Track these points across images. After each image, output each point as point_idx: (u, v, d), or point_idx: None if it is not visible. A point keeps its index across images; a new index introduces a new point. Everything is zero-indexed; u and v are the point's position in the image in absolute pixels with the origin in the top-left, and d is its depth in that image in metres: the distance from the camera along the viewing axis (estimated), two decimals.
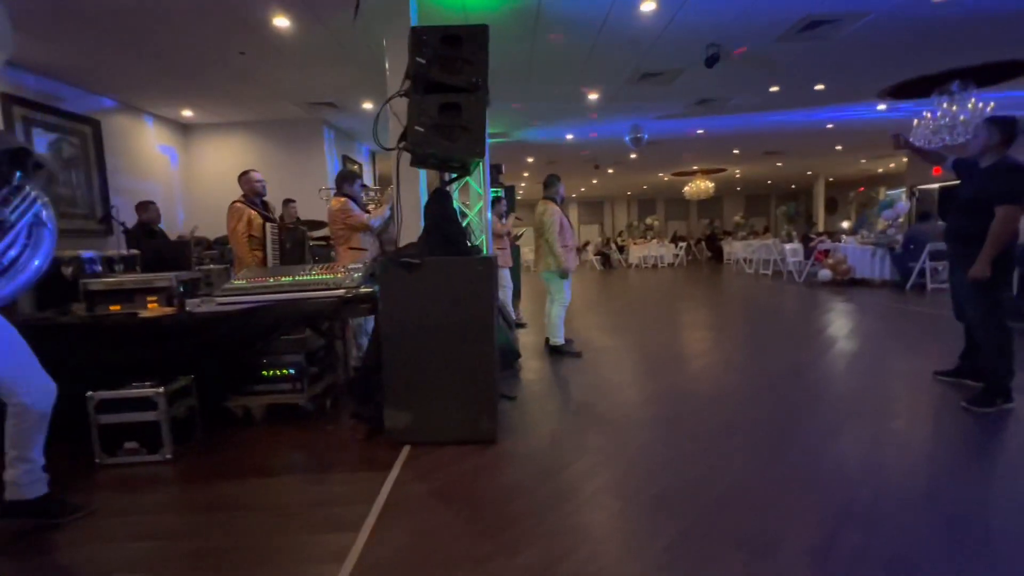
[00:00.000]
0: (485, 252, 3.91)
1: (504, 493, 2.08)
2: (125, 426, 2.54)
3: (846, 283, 8.94)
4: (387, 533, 1.82)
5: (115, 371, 2.70)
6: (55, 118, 5.45)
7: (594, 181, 17.11)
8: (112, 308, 3.00)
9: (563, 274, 4.33)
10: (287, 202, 6.22)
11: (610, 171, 14.78)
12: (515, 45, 5.13)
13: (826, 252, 10.04)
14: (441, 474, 2.26)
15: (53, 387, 1.93)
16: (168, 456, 2.54)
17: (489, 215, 3.95)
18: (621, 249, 18.00)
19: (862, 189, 18.72)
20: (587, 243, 5.32)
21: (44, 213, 1.82)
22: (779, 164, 15.03)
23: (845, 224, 15.60)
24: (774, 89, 7.23)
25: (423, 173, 3.63)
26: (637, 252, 16.40)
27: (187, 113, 7.06)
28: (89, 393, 2.53)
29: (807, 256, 10.49)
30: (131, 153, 6.58)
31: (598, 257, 17.26)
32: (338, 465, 2.45)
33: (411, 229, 3.29)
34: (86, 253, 3.77)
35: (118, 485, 2.34)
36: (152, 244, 4.03)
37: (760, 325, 5.92)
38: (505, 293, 5.62)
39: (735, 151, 12.57)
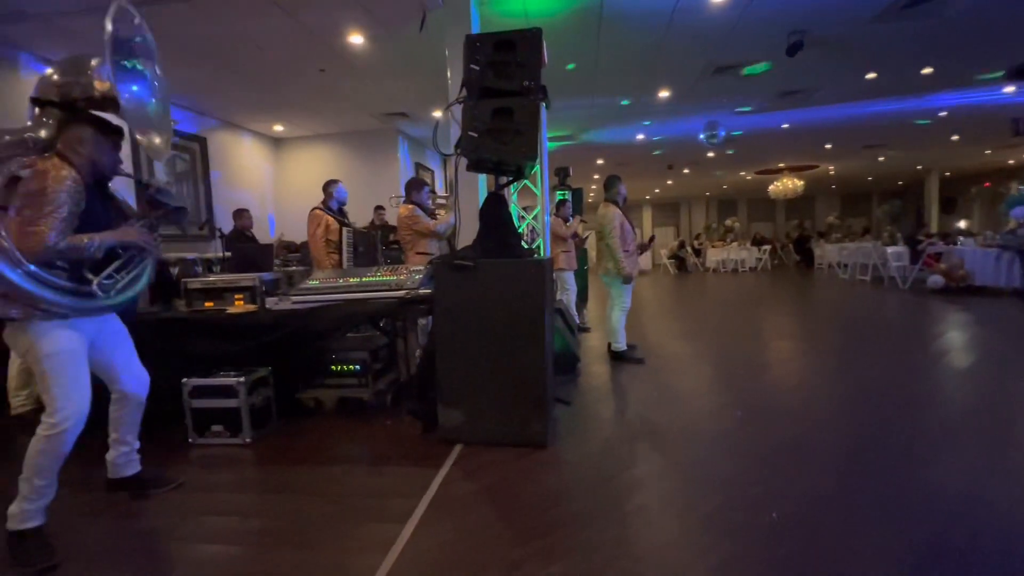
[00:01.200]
0: (542, 255, 3.90)
1: (547, 499, 2.06)
2: (213, 411, 2.83)
3: (962, 291, 7.87)
4: (431, 528, 1.87)
5: (206, 361, 3.02)
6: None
7: (669, 182, 16.50)
8: (207, 304, 3.35)
9: (626, 279, 4.21)
10: (377, 208, 6.64)
11: (685, 171, 14.17)
12: (578, 46, 5.08)
13: (937, 256, 8.91)
14: (488, 474, 2.29)
15: (147, 378, 2.18)
16: (247, 440, 2.79)
17: (547, 218, 3.93)
18: (698, 252, 17.17)
19: (988, 184, 16.38)
20: (652, 238, 5.04)
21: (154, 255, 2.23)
22: (881, 159, 13.60)
23: (962, 224, 13.74)
24: (871, 76, 6.56)
25: (482, 177, 3.70)
26: (715, 255, 15.56)
27: (278, 128, 7.74)
28: (184, 380, 2.85)
29: (914, 260, 9.37)
30: (231, 166, 7.32)
31: (672, 260, 16.59)
32: (393, 459, 2.55)
33: (469, 232, 3.36)
34: (190, 256, 4.25)
35: (204, 463, 2.61)
36: (242, 248, 4.46)
37: (851, 335, 5.35)
38: (568, 296, 5.57)
39: (827, 146, 11.55)
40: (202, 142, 6.71)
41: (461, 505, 2.03)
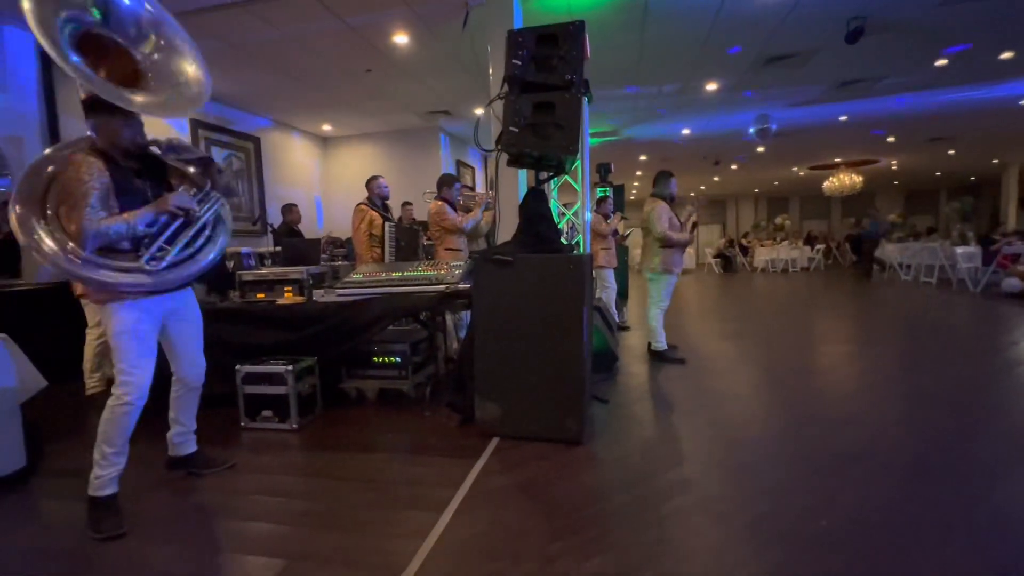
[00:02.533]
0: (582, 251, 3.86)
1: (584, 496, 2.04)
2: (263, 397, 2.97)
3: None
4: (467, 518, 1.89)
5: (258, 349, 3.17)
6: (227, 137, 6.55)
7: (715, 179, 15.95)
8: (258, 296, 3.52)
9: (665, 269, 4.10)
10: (405, 204, 6.76)
11: (733, 167, 13.67)
12: (623, 38, 4.99)
13: (1015, 257, 8.22)
14: (525, 469, 2.29)
15: (203, 367, 2.30)
16: (294, 426, 2.91)
17: (588, 215, 3.89)
18: (745, 251, 16.55)
19: None
20: (695, 223, 4.64)
21: (224, 214, 2.24)
22: (950, 152, 12.64)
23: None
24: (940, 63, 6.11)
25: (523, 173, 3.70)
26: (763, 255, 14.94)
27: (326, 127, 8.01)
28: (238, 367, 3.01)
29: (987, 261, 8.67)
30: (282, 164, 7.64)
31: (717, 259, 16.06)
32: (431, 449, 2.60)
33: (509, 228, 3.37)
34: (244, 249, 4.46)
35: (254, 446, 2.74)
36: (291, 242, 4.64)
37: (914, 341, 5.02)
38: (608, 294, 5.50)
39: (890, 139, 10.85)
40: (256, 142, 7.04)
41: (497, 497, 2.04)
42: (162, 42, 2.03)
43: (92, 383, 3.60)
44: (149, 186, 2.05)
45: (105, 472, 1.94)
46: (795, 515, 1.83)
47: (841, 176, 13.56)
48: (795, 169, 14.67)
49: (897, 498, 1.94)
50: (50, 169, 1.98)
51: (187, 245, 2.06)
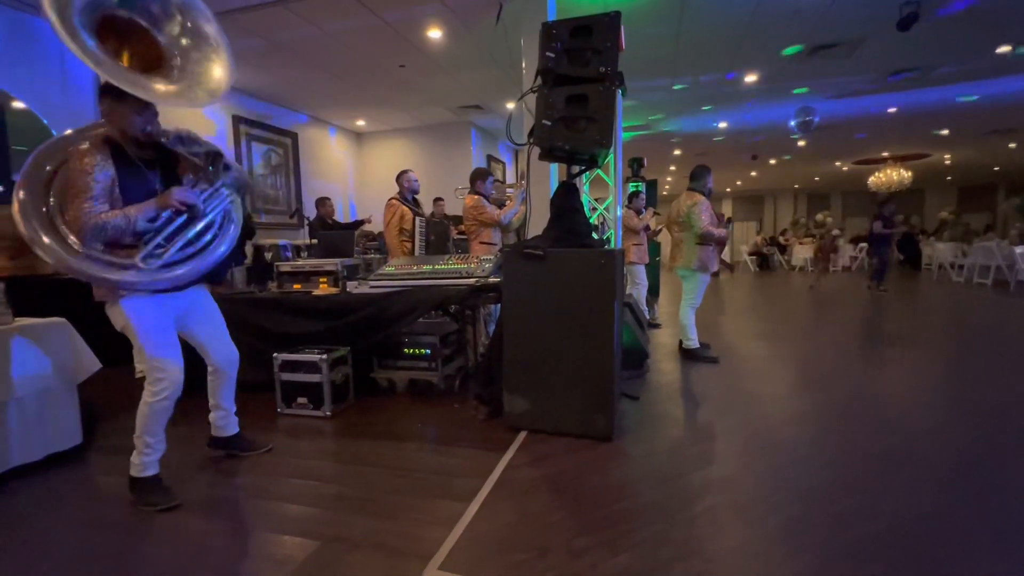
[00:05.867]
0: (613, 246, 3.81)
1: (612, 492, 2.03)
2: (299, 384, 3.06)
3: None
4: (494, 509, 1.91)
5: (294, 338, 3.27)
6: (267, 133, 6.75)
7: (752, 174, 15.49)
8: (295, 287, 3.63)
9: (702, 267, 4.02)
10: (437, 200, 6.85)
11: (772, 162, 13.22)
12: (659, 28, 4.88)
13: None
14: (552, 463, 2.29)
15: (235, 353, 2.35)
16: (328, 413, 3.00)
17: (619, 210, 3.84)
18: (783, 249, 16.00)
19: None
20: (729, 219, 4.51)
21: (233, 211, 2.16)
22: (1012, 146, 11.88)
23: None
24: (1003, 50, 5.74)
25: (554, 167, 3.68)
26: (802, 253, 14.42)
27: (360, 123, 8.16)
28: (275, 355, 3.11)
29: None
30: (318, 159, 7.83)
31: (754, 257, 15.59)
32: (459, 440, 2.63)
33: (540, 222, 3.36)
34: (282, 242, 4.61)
35: (290, 431, 2.83)
36: (326, 235, 4.76)
37: (965, 343, 4.76)
38: (639, 291, 5.42)
39: (943, 132, 10.27)
40: (293, 137, 7.23)
41: (524, 490, 2.05)
42: (188, 24, 1.93)
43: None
44: (158, 178, 1.98)
45: (149, 458, 2.03)
46: (831, 520, 1.77)
47: (888, 171, 12.93)
48: (838, 164, 14.08)
49: (942, 507, 1.85)
50: (57, 157, 1.92)
51: (189, 243, 1.96)
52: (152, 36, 1.91)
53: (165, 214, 1.91)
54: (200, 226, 1.99)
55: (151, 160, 1.99)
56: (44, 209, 1.87)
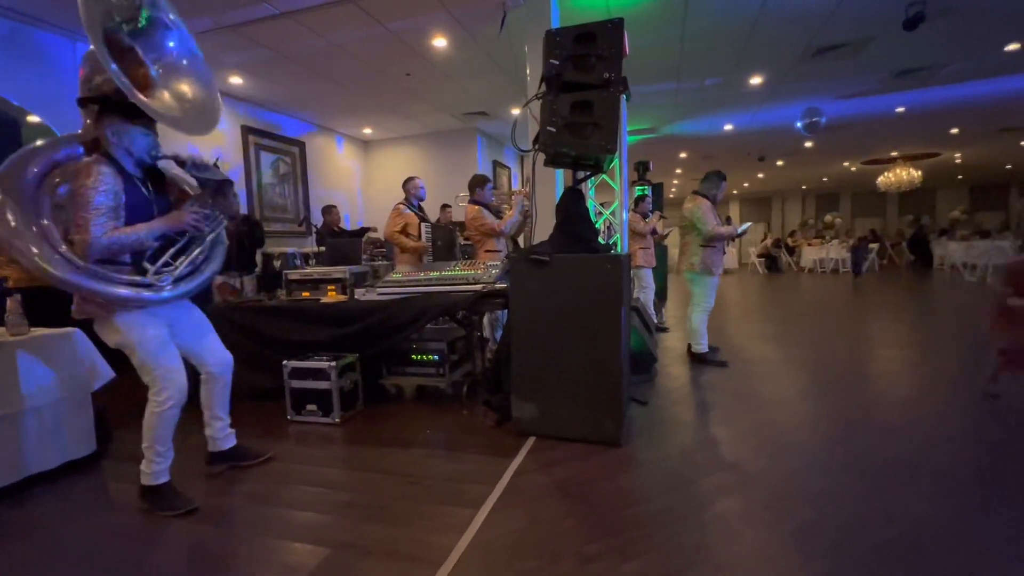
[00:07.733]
0: (620, 251, 3.81)
1: (622, 497, 2.02)
2: (308, 391, 3.08)
3: None
4: (503, 515, 1.90)
5: (303, 346, 3.30)
6: (275, 142, 6.83)
7: (760, 175, 15.38)
8: (304, 294, 3.66)
9: (706, 270, 4.00)
10: (444, 207, 6.88)
11: (779, 163, 13.14)
12: (663, 32, 4.89)
13: None
14: (561, 468, 2.29)
15: (230, 359, 2.34)
16: (336, 420, 3.01)
17: (625, 214, 3.84)
18: (791, 251, 15.88)
19: None
20: (728, 217, 4.50)
21: (221, 237, 2.26)
22: (1023, 143, 11.72)
23: None
24: (1012, 47, 5.68)
25: (559, 173, 3.69)
26: (811, 254, 14.30)
27: (367, 131, 8.23)
28: (285, 362, 3.13)
29: None
30: (325, 167, 7.90)
31: (762, 259, 15.49)
32: (468, 446, 2.63)
33: (546, 227, 3.37)
34: (290, 250, 4.64)
35: (299, 438, 2.85)
36: (334, 242, 4.79)
37: (981, 346, 4.68)
38: (646, 295, 5.40)
39: (953, 131, 10.15)
40: (301, 146, 7.31)
41: (534, 496, 2.05)
42: (178, 64, 2.03)
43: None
44: (153, 196, 2.04)
45: (160, 466, 2.06)
46: (845, 525, 1.75)
47: (898, 171, 12.80)
48: (846, 164, 13.96)
49: (961, 511, 1.82)
50: (54, 170, 1.95)
51: (190, 262, 2.07)
52: (143, 62, 1.95)
53: (169, 233, 1.99)
54: (204, 245, 2.11)
55: (143, 178, 2.05)
56: (44, 223, 1.88)
